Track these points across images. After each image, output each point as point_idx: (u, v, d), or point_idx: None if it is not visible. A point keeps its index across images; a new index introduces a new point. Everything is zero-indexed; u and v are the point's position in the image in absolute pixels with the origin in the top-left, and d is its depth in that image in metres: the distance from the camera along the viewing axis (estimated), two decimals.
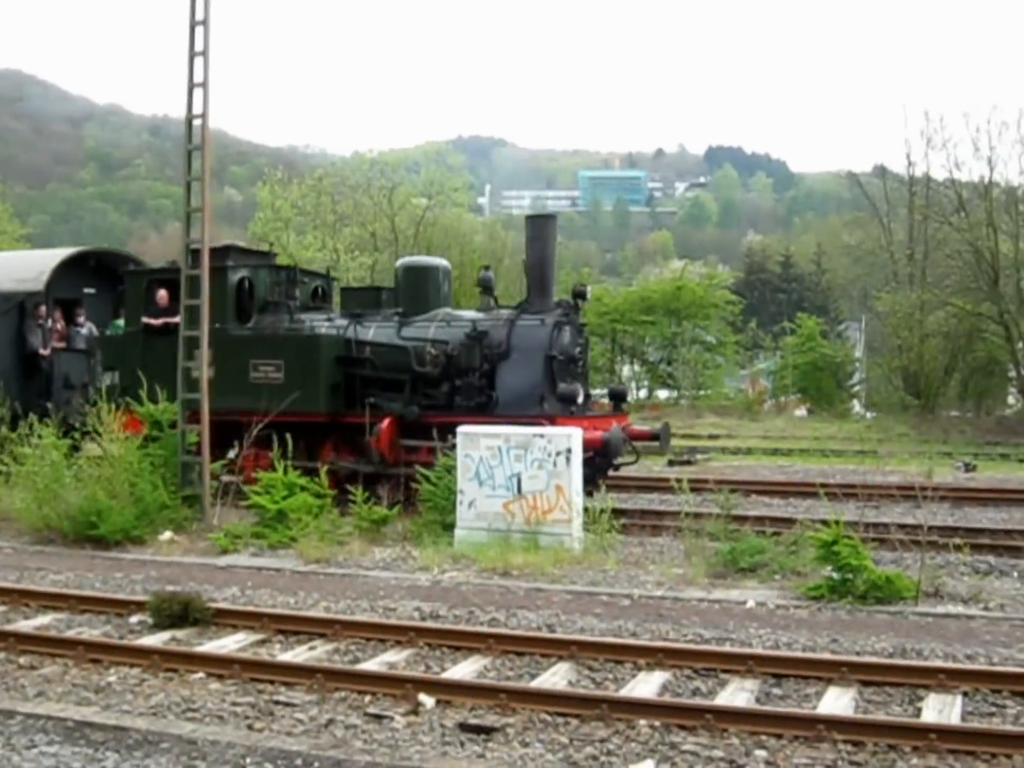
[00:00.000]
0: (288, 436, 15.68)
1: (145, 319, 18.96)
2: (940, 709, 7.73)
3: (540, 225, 18.13)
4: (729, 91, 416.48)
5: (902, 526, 13.92)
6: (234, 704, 8.05)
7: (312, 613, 10.58)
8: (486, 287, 18.78)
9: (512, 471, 13.94)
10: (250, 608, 10.72)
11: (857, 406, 48.31)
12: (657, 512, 16.98)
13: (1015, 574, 12.66)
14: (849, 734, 7.16)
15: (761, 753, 7.00)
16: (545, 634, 9.72)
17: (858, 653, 9.05)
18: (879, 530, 13.85)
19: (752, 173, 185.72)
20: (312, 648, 9.54)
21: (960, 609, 10.67)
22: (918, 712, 7.79)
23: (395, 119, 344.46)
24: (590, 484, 17.04)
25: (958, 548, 12.47)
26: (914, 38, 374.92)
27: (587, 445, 15.97)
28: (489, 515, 13.93)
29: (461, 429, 14.59)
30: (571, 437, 13.97)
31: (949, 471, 23.51)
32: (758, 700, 8.09)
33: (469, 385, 17.23)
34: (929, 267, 42.43)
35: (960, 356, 41.70)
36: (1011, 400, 43.38)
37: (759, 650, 9.11)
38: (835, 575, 11.07)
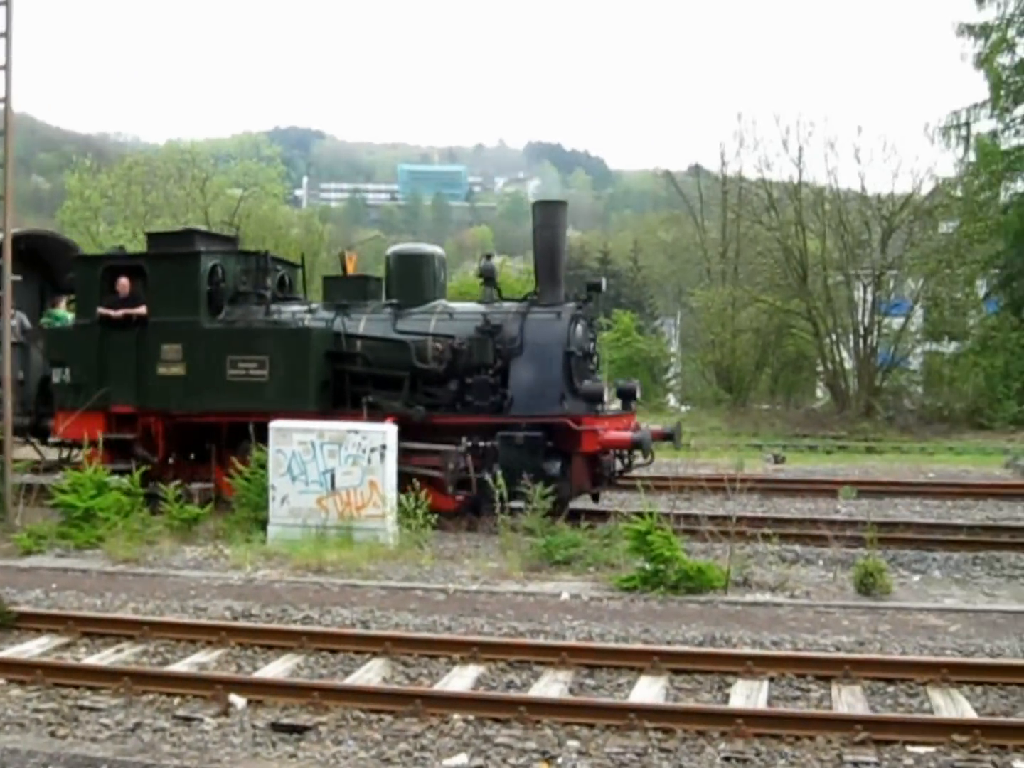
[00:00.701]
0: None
1: (102, 310, 17.29)
2: (747, 695, 7.92)
3: (550, 212, 17.07)
4: (549, 88, 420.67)
5: (712, 517, 14.23)
6: (36, 711, 7.76)
7: (119, 614, 10.29)
8: (488, 277, 17.31)
9: (326, 467, 13.81)
10: (54, 611, 10.34)
11: (672, 400, 49.25)
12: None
13: (820, 562, 13.03)
14: (659, 722, 7.26)
15: (573, 743, 7.05)
16: (359, 631, 9.63)
17: (669, 642, 9.20)
18: (691, 521, 14.10)
19: (571, 170, 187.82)
20: (119, 651, 9.27)
21: (768, 597, 10.94)
22: (726, 698, 7.96)
23: (211, 108, 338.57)
24: (609, 485, 16.86)
25: (766, 538, 12.77)
26: (730, 40, 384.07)
27: (617, 445, 15.94)
28: (303, 511, 13.77)
29: (273, 424, 14.33)
30: (386, 434, 13.89)
31: (759, 463, 24.10)
32: (571, 691, 8.15)
33: (482, 383, 15.97)
34: (741, 264, 43.61)
35: (770, 351, 42.96)
36: (819, 393, 44.81)
37: (573, 642, 9.19)
38: (648, 566, 11.23)
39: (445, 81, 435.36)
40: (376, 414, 15.57)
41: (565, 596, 10.96)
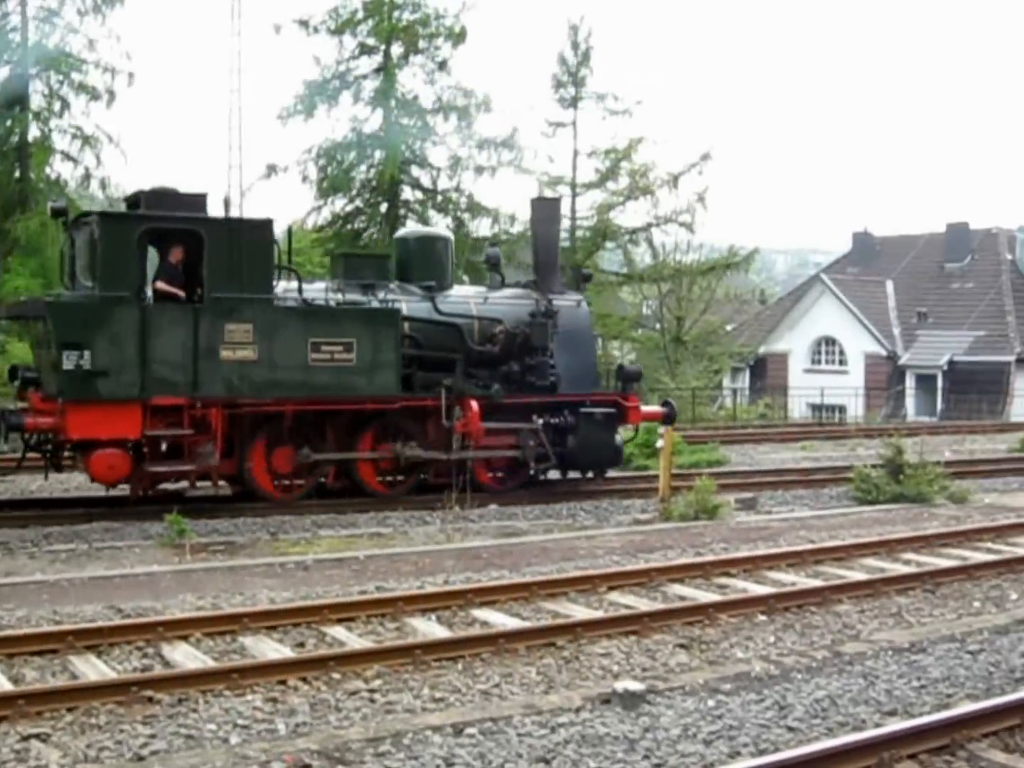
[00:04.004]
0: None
1: (164, 285, 14.86)
2: None
3: (548, 207, 18.96)
4: None
5: None
6: None
7: None
8: (494, 264, 18.29)
9: None
10: None
11: None
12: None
13: None
14: None
15: None
16: None
17: None
18: None
19: None
20: None
21: None
22: None
23: None
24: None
25: None
26: None
27: (652, 419, 18.31)
28: None
29: None
30: None
31: None
32: None
33: (543, 364, 16.93)
34: None
35: None
36: None
37: None
38: None
39: None
40: (451, 396, 16.04)
41: None
